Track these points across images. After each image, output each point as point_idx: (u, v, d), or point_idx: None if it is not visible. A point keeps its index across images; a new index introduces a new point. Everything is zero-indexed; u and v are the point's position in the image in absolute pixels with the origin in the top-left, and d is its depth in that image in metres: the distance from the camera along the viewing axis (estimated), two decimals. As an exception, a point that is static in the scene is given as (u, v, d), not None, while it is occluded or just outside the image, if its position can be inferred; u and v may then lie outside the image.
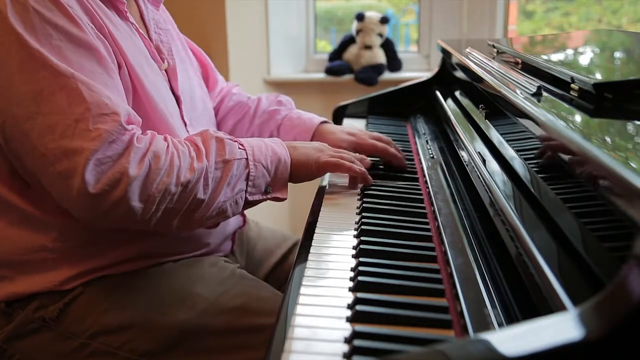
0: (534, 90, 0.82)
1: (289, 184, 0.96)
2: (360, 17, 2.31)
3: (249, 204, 0.90)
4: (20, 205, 0.88)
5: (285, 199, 0.93)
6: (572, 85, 0.78)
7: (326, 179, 1.07)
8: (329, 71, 2.33)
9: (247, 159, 0.88)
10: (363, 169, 1.00)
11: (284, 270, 1.21)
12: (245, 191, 0.88)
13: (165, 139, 0.84)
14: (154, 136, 0.83)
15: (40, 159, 0.77)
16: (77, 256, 0.90)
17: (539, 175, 0.70)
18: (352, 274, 0.72)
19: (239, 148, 0.89)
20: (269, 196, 0.92)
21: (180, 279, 0.94)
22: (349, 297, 0.66)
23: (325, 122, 1.20)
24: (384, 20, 2.29)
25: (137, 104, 0.90)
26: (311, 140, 1.17)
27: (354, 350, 0.56)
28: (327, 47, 2.61)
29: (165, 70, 1.02)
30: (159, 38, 1.03)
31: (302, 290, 0.68)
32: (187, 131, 1.02)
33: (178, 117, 1.00)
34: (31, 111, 0.77)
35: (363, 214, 0.89)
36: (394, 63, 2.33)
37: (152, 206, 0.79)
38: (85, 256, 0.90)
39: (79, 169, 0.74)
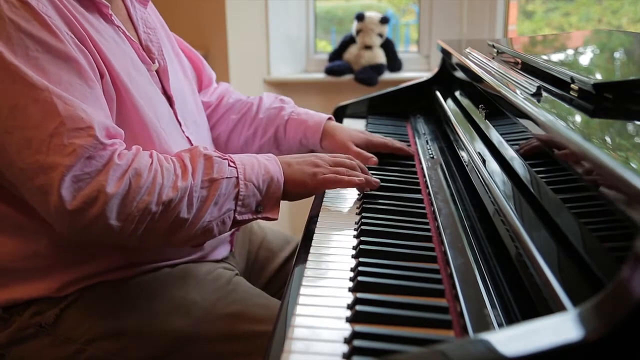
0: (534, 90, 0.82)
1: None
2: (360, 17, 2.31)
3: (237, 223, 0.88)
4: (10, 214, 0.87)
5: (276, 219, 0.90)
6: (572, 86, 0.78)
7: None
8: (329, 71, 2.33)
9: (237, 177, 0.86)
10: (363, 177, 0.95)
11: (286, 274, 1.20)
12: (235, 210, 0.86)
13: (151, 155, 0.82)
14: (138, 152, 0.81)
15: (19, 172, 0.76)
16: (71, 262, 0.89)
17: (539, 175, 0.70)
18: (351, 274, 0.72)
19: (229, 166, 0.86)
20: (259, 215, 0.89)
21: (176, 286, 0.94)
22: (349, 297, 0.66)
23: (331, 118, 1.20)
24: (384, 20, 2.29)
25: (122, 112, 0.87)
26: (321, 137, 1.16)
27: (354, 351, 0.56)
28: (327, 47, 2.61)
29: (157, 71, 1.00)
30: (148, 38, 1.00)
31: (302, 290, 0.68)
32: (183, 131, 1.00)
33: (172, 119, 0.99)
34: (8, 125, 0.75)
35: (363, 214, 0.89)
36: (394, 63, 2.33)
37: (132, 224, 0.78)
38: (79, 262, 0.90)
39: (54, 185, 0.73)
